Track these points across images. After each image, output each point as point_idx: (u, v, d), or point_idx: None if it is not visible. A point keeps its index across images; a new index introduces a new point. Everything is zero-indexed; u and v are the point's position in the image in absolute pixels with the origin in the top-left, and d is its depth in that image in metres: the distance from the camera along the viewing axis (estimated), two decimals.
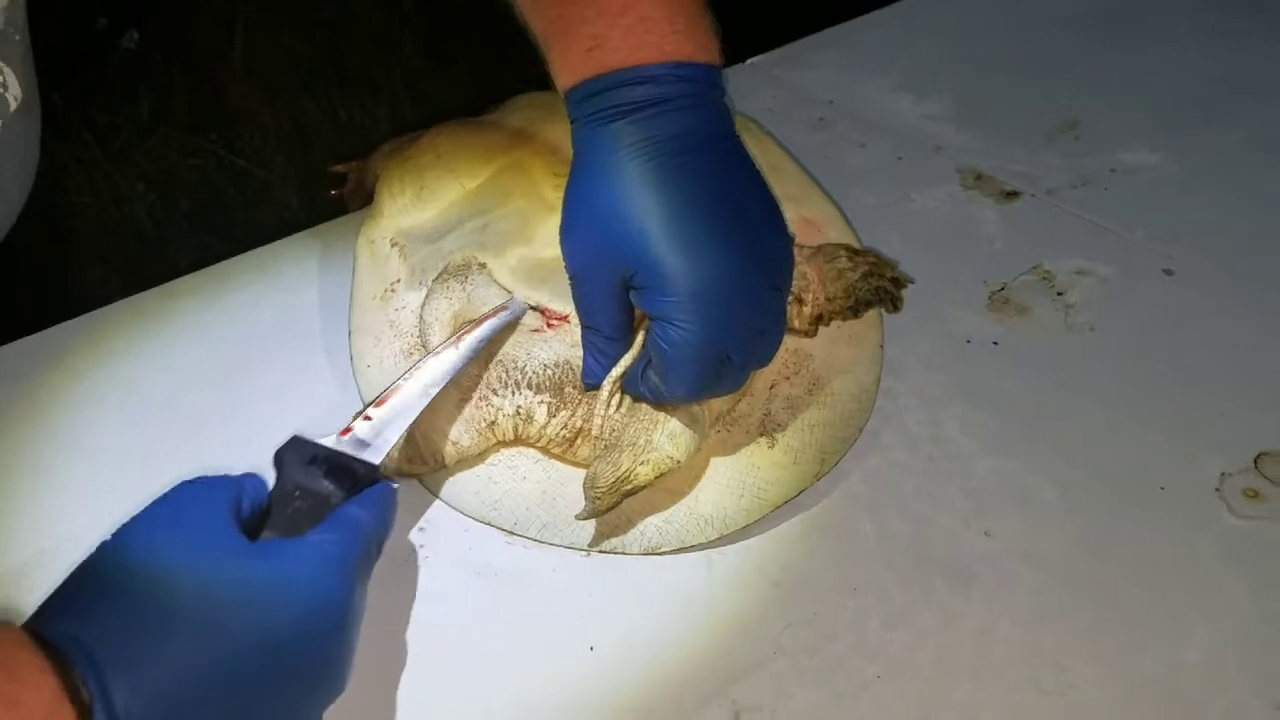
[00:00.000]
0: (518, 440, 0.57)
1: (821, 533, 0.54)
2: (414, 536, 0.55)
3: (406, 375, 0.53)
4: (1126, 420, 0.59)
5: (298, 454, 0.47)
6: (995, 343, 0.64)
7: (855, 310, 0.60)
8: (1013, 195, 0.74)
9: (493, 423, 0.56)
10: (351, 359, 0.61)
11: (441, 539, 0.55)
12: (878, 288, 0.59)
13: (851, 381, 0.60)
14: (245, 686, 0.38)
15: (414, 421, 0.52)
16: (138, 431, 0.60)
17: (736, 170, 0.52)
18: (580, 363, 0.56)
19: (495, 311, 0.57)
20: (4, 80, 0.62)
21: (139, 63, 1.68)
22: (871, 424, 0.59)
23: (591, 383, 0.55)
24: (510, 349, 0.57)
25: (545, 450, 0.57)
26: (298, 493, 0.46)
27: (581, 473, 0.54)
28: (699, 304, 0.49)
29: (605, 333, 0.54)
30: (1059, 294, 0.67)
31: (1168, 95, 0.84)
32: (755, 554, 0.53)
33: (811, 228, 0.65)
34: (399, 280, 0.63)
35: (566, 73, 0.52)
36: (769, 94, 0.84)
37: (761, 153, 0.69)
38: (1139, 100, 0.83)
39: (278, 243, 0.73)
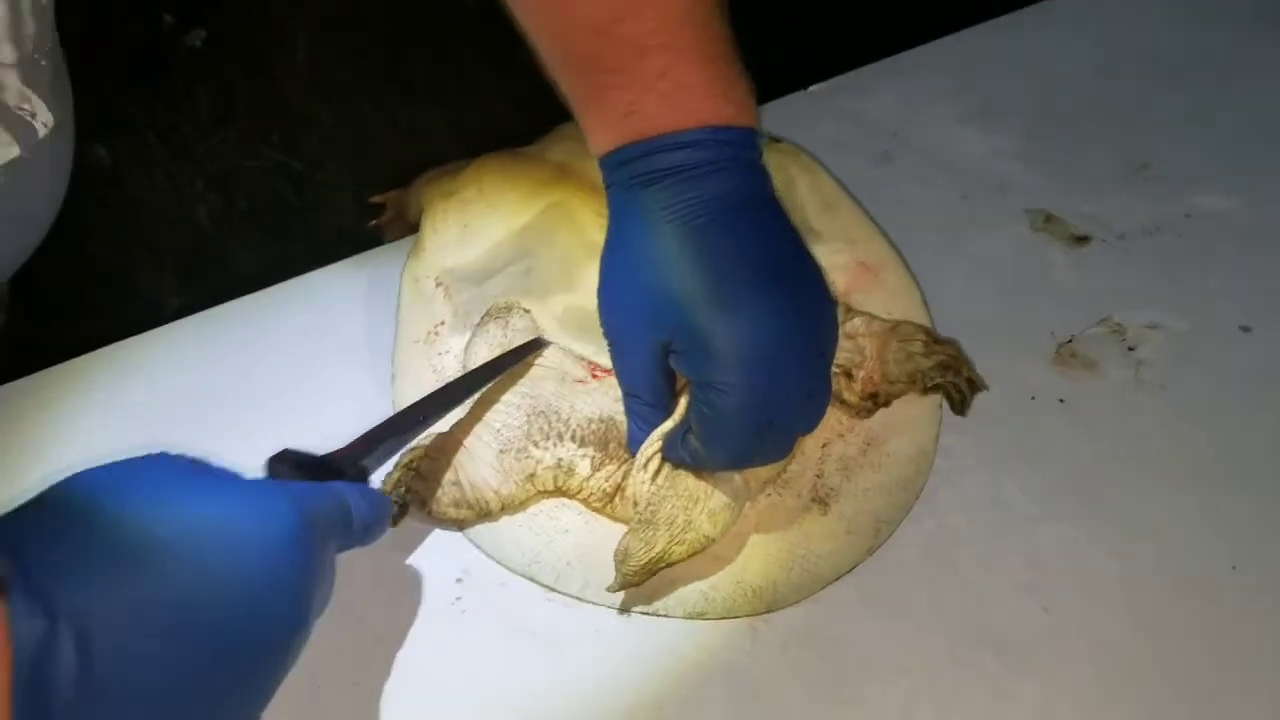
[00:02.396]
0: (558, 491, 0.56)
1: (873, 602, 0.52)
2: (452, 588, 0.53)
3: (412, 404, 0.54)
4: (1197, 489, 0.56)
5: (287, 461, 0.47)
6: (1061, 400, 0.61)
7: (918, 393, 0.58)
8: (1083, 240, 0.71)
9: (532, 475, 0.55)
10: (394, 404, 0.60)
11: (480, 591, 0.53)
12: (951, 384, 0.58)
13: (909, 442, 0.58)
14: (171, 578, 0.37)
15: (420, 450, 0.53)
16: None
17: (776, 232, 0.51)
18: (606, 414, 0.55)
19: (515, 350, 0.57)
20: (32, 109, 0.62)
21: (203, 62, 1.68)
22: (929, 485, 0.57)
23: (635, 452, 0.54)
24: (554, 400, 0.55)
25: (585, 503, 0.56)
26: None
27: (622, 529, 0.53)
28: (741, 367, 0.47)
29: (646, 399, 0.52)
30: (1130, 349, 0.64)
31: (1242, 137, 0.80)
32: (802, 623, 0.52)
33: (868, 273, 0.63)
34: (443, 323, 0.62)
35: (601, 138, 0.52)
36: (831, 124, 0.82)
37: (816, 188, 0.67)
38: (1213, 142, 0.79)
39: (326, 269, 0.72)
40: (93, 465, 0.40)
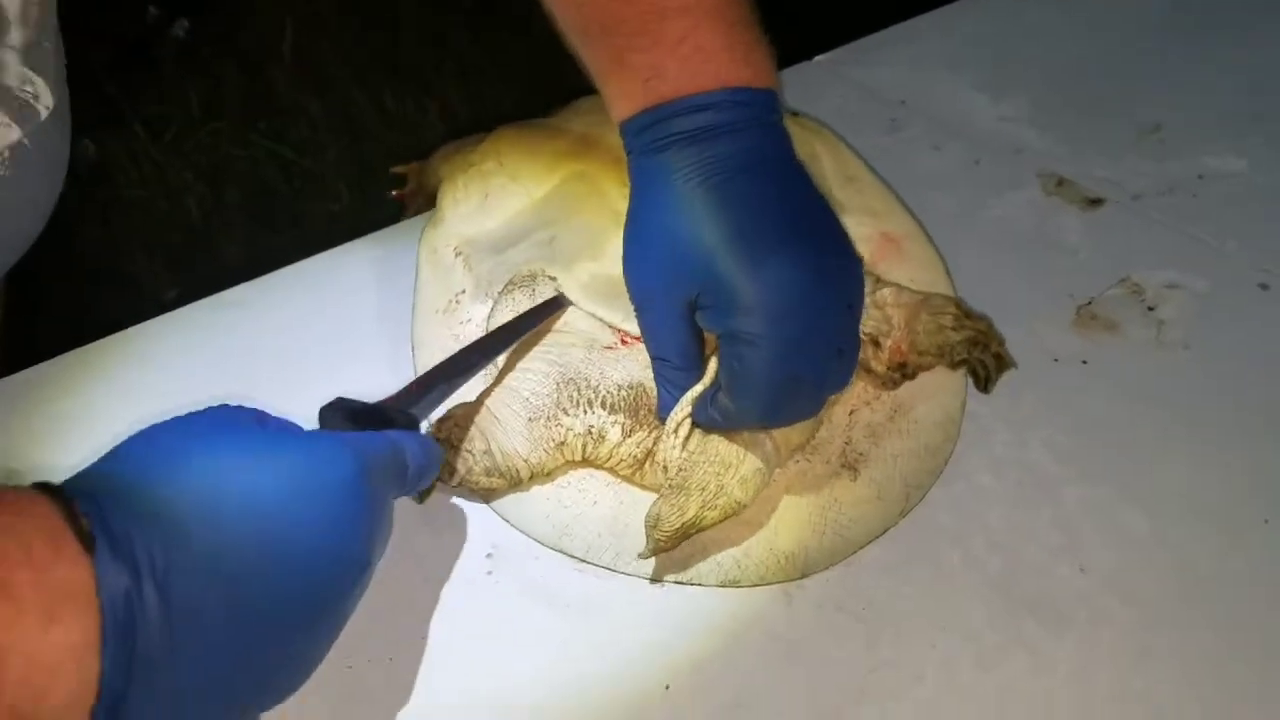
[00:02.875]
0: (585, 461, 0.55)
1: (906, 564, 0.52)
2: (482, 562, 0.53)
3: (459, 351, 0.55)
4: (1225, 445, 0.56)
5: (340, 410, 0.47)
6: (1084, 361, 0.61)
7: (946, 365, 0.58)
8: (1097, 202, 0.71)
9: (562, 443, 0.54)
10: (415, 374, 0.59)
11: (511, 565, 0.53)
12: (979, 360, 0.57)
13: (936, 408, 0.57)
14: (244, 531, 0.38)
15: (450, 421, 0.53)
16: None
17: (799, 189, 0.51)
18: (636, 381, 0.54)
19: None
20: (35, 91, 0.61)
21: (189, 53, 1.67)
22: (957, 448, 0.56)
23: (665, 418, 0.53)
24: (583, 368, 0.55)
25: (614, 471, 0.55)
26: None
27: (651, 497, 0.52)
28: (769, 316, 0.47)
29: (675, 363, 0.52)
30: (1150, 309, 0.64)
31: (1253, 98, 0.80)
32: (836, 587, 0.51)
33: (891, 244, 0.63)
34: (464, 291, 0.61)
35: (623, 105, 0.52)
36: (838, 93, 0.81)
37: (838, 162, 0.66)
38: (1224, 103, 0.79)
39: (333, 250, 0.71)
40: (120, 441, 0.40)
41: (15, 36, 0.59)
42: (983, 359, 0.57)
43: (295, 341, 0.64)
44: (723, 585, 0.51)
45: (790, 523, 0.53)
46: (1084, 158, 0.75)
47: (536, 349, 0.56)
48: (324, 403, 0.47)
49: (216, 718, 0.38)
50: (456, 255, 0.62)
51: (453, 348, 0.59)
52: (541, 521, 0.54)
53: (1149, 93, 0.80)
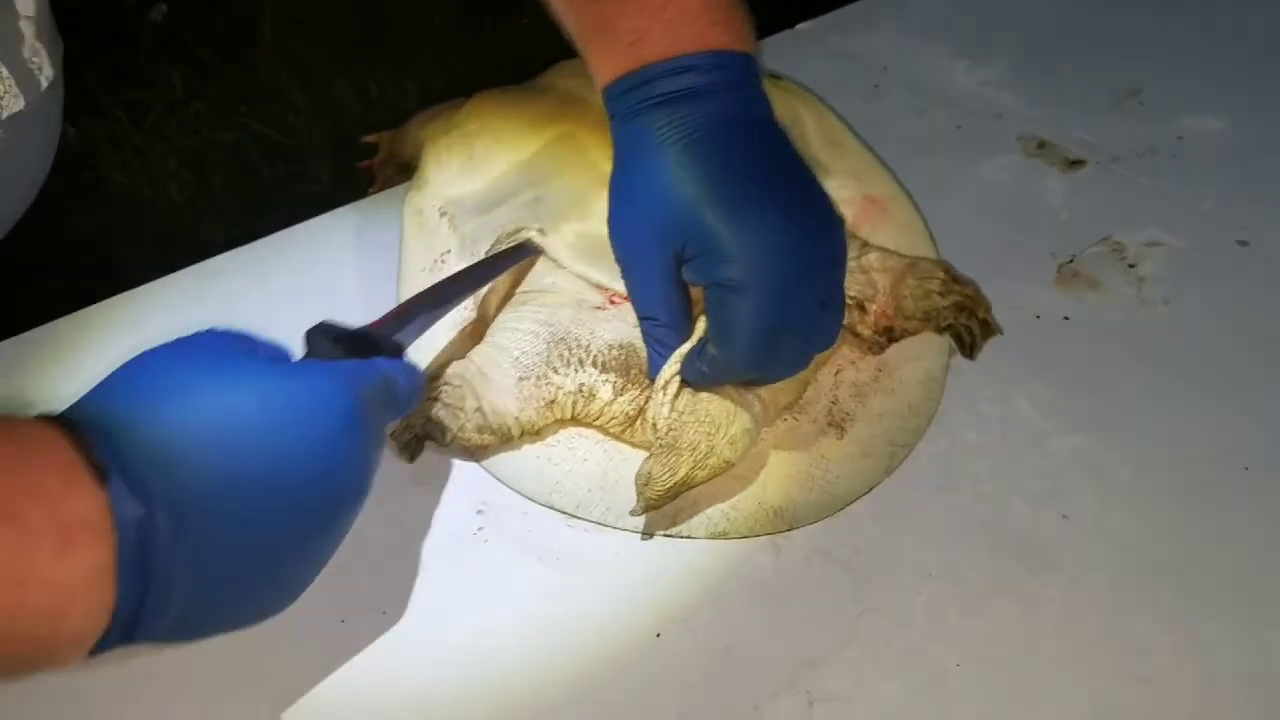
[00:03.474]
0: (575, 419, 0.56)
1: (893, 516, 0.53)
2: (472, 519, 0.53)
3: (442, 280, 0.56)
4: (1206, 397, 0.57)
5: (326, 333, 0.47)
6: (1066, 318, 0.62)
7: (932, 330, 0.58)
8: (1077, 164, 0.72)
9: (552, 401, 0.54)
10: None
11: (501, 521, 0.53)
12: (965, 325, 0.58)
13: (919, 368, 0.58)
14: (247, 459, 0.39)
15: (440, 380, 0.54)
16: None
17: (779, 149, 0.52)
18: (627, 340, 0.55)
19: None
20: (40, 63, 0.61)
21: (168, 37, 1.66)
22: (942, 404, 0.57)
23: (657, 375, 0.53)
24: (572, 327, 0.55)
25: (604, 429, 0.56)
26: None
27: (641, 455, 0.53)
28: (754, 264, 0.48)
29: (662, 320, 0.52)
30: (1130, 266, 0.64)
31: (1232, 59, 0.81)
32: (824, 538, 0.52)
33: (875, 206, 0.63)
34: (449, 251, 0.61)
35: (607, 67, 0.53)
36: (820, 61, 0.82)
37: (822, 126, 0.67)
38: (1203, 64, 0.80)
39: (314, 220, 0.71)
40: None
41: (28, 4, 0.59)
42: (969, 325, 0.58)
43: (278, 308, 0.64)
44: (711, 537, 0.52)
45: (779, 478, 0.54)
46: (1064, 120, 0.75)
47: (526, 309, 0.57)
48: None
49: (219, 631, 0.41)
50: (441, 216, 0.63)
51: None
52: (532, 478, 0.54)
53: (1128, 56, 0.81)
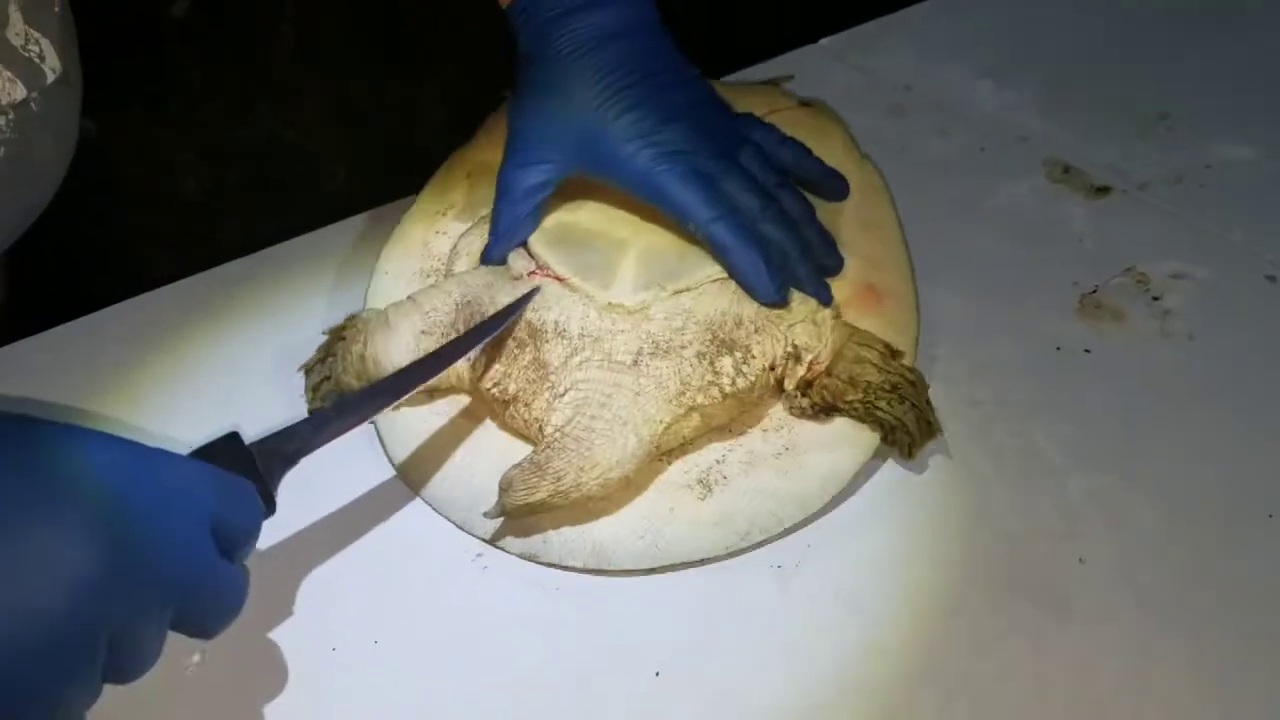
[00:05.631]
0: (459, 386, 0.56)
1: (904, 553, 0.51)
2: (471, 545, 0.52)
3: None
4: (1230, 437, 0.55)
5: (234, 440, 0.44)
6: (1087, 350, 0.60)
7: (863, 416, 0.54)
8: (1103, 191, 0.70)
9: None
10: (377, 260, 0.63)
11: (500, 552, 0.52)
12: (896, 418, 0.53)
13: (828, 461, 0.53)
14: None
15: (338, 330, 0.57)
16: (185, 420, 0.57)
17: (664, 50, 0.59)
18: (538, 323, 0.54)
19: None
20: (40, 51, 0.60)
21: (189, 33, 1.65)
22: (958, 434, 0.55)
23: (486, 258, 0.58)
24: (481, 292, 0.55)
25: (485, 400, 0.55)
26: None
27: (515, 447, 0.53)
28: (672, 123, 0.56)
29: (510, 192, 0.58)
30: (1155, 299, 0.63)
31: (1264, 87, 0.79)
32: (832, 575, 0.50)
33: (871, 295, 0.60)
34: (455, 207, 0.64)
35: None
36: (842, 78, 0.80)
37: (864, 204, 0.65)
38: (1233, 92, 0.78)
39: (334, 225, 0.70)
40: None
41: None
42: (902, 417, 0.54)
43: (296, 314, 0.63)
44: (522, 557, 0.51)
45: (615, 516, 0.52)
46: (1090, 146, 0.74)
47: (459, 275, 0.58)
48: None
49: None
50: (466, 176, 0.66)
51: (418, 253, 0.62)
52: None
53: (1157, 81, 0.79)
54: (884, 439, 0.54)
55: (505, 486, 0.50)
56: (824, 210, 0.62)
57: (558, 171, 0.58)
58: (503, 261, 0.58)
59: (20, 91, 0.58)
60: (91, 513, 0.35)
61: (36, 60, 0.59)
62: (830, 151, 0.66)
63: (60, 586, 0.33)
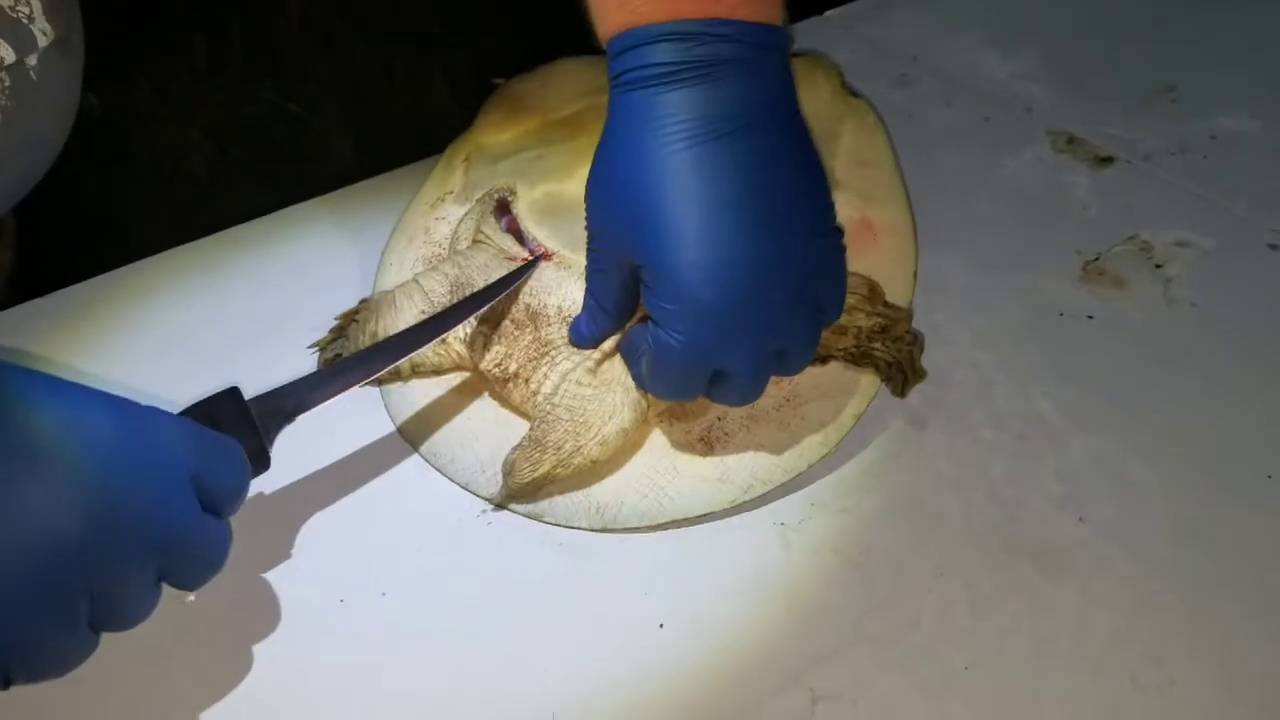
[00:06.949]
0: (458, 365, 0.57)
1: (905, 512, 0.51)
2: (477, 501, 0.52)
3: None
4: (1230, 402, 0.56)
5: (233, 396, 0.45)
6: (1090, 316, 0.60)
7: (858, 359, 0.55)
8: (1107, 161, 0.70)
9: (444, 339, 0.55)
10: (382, 251, 0.63)
11: (507, 509, 0.52)
12: (889, 358, 0.54)
13: (829, 409, 0.54)
14: None
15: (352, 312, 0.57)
16: (186, 383, 0.58)
17: (776, 159, 0.46)
18: (538, 306, 0.54)
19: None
20: (30, 14, 0.59)
21: (195, 8, 1.64)
22: (960, 399, 0.56)
23: (574, 340, 0.53)
24: (477, 274, 0.56)
25: (487, 378, 0.56)
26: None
27: (517, 423, 0.54)
28: (692, 316, 0.45)
29: (603, 306, 0.51)
30: (1157, 266, 0.63)
31: (1269, 59, 0.79)
32: (834, 533, 0.51)
33: (868, 232, 0.60)
34: (452, 192, 0.63)
35: (601, 24, 0.48)
36: (848, 48, 0.80)
37: (858, 144, 0.65)
38: (1239, 64, 0.78)
39: (336, 192, 0.71)
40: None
41: None
42: (894, 357, 0.54)
43: (296, 279, 0.64)
44: (530, 517, 0.51)
45: (618, 476, 0.52)
46: (1095, 116, 0.74)
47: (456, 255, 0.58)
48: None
49: None
50: (464, 160, 0.65)
51: (421, 239, 0.62)
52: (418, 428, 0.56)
53: (1163, 52, 0.79)
54: (882, 379, 0.55)
55: (509, 470, 0.51)
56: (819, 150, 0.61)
57: (630, 268, 0.49)
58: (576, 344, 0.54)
59: (10, 54, 0.58)
60: (68, 466, 0.35)
61: (25, 21, 0.59)
62: (817, 98, 0.66)
63: (34, 537, 0.34)
